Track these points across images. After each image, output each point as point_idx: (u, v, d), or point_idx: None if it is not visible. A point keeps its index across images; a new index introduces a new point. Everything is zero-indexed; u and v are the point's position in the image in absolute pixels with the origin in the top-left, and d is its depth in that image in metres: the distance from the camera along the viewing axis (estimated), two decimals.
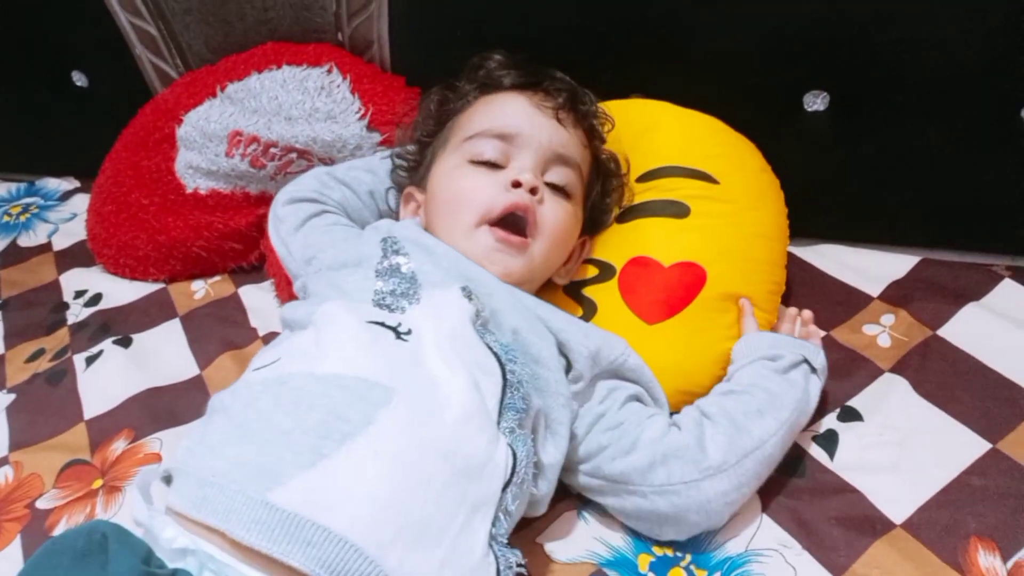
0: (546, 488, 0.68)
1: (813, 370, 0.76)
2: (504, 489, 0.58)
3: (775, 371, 0.74)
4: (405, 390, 0.58)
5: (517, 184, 0.75)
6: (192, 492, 0.54)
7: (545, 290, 0.85)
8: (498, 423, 0.60)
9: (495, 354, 0.63)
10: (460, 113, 0.85)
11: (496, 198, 0.75)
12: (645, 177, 0.87)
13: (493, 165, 0.78)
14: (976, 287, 0.90)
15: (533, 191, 0.76)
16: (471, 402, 0.59)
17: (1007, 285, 0.90)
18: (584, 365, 0.72)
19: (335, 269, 0.78)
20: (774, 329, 0.84)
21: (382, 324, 0.65)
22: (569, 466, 0.71)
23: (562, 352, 0.72)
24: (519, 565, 0.58)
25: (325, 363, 0.60)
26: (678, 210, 0.84)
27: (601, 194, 0.86)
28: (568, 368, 0.72)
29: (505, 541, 0.58)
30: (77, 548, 0.51)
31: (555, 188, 0.79)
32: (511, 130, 0.78)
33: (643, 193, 0.87)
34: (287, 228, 0.88)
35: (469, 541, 0.55)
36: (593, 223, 0.87)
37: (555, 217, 0.77)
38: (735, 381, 0.76)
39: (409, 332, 0.64)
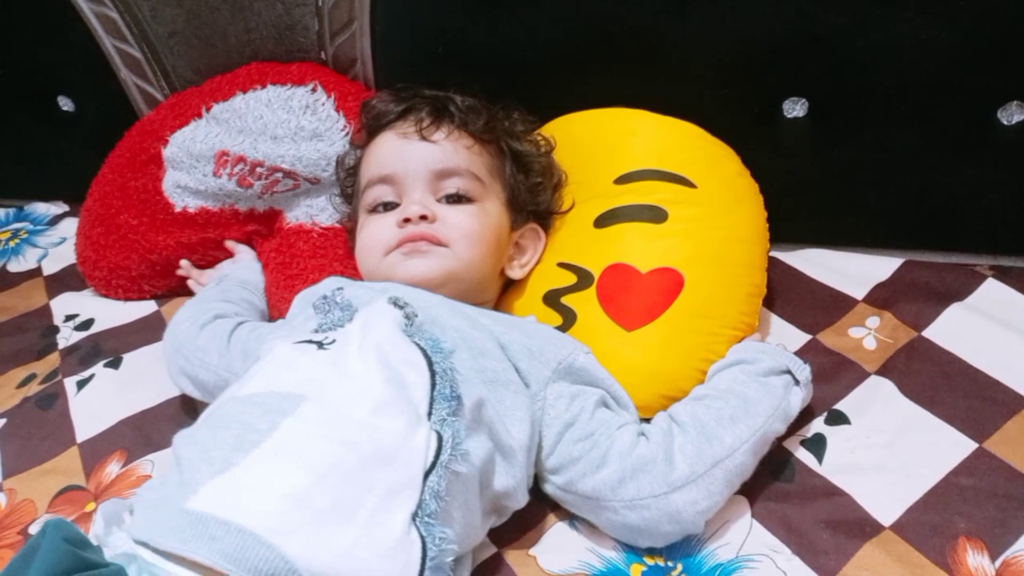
0: (514, 474, 0.69)
1: (796, 383, 0.77)
2: (429, 472, 0.60)
3: (753, 375, 0.75)
4: (316, 394, 0.63)
5: (407, 220, 0.81)
6: (139, 517, 0.60)
7: (522, 298, 0.88)
8: (429, 412, 0.63)
9: (422, 350, 0.66)
10: (361, 162, 0.91)
11: (392, 238, 0.82)
12: (623, 179, 0.88)
13: (390, 205, 0.85)
14: (960, 287, 0.91)
15: (424, 217, 0.81)
16: (385, 394, 0.62)
17: (990, 284, 0.91)
18: (528, 366, 0.74)
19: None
20: None
21: (309, 341, 0.69)
22: (542, 476, 0.73)
23: (506, 356, 0.74)
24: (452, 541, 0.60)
25: (246, 386, 0.66)
26: (655, 215, 0.85)
27: (525, 177, 0.90)
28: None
29: (435, 521, 0.59)
30: (25, 547, 0.57)
31: (454, 198, 0.84)
32: (387, 171, 0.85)
33: (620, 196, 0.87)
34: (216, 353, 0.87)
35: (385, 521, 0.57)
36: (534, 207, 0.90)
37: (460, 222, 0.82)
38: (711, 385, 0.77)
39: (333, 342, 0.69)
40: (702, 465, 0.68)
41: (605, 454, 0.70)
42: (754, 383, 0.74)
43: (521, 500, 0.72)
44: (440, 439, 0.61)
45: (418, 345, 0.66)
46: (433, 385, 0.64)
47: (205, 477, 0.58)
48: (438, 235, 0.81)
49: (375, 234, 0.84)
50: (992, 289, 0.90)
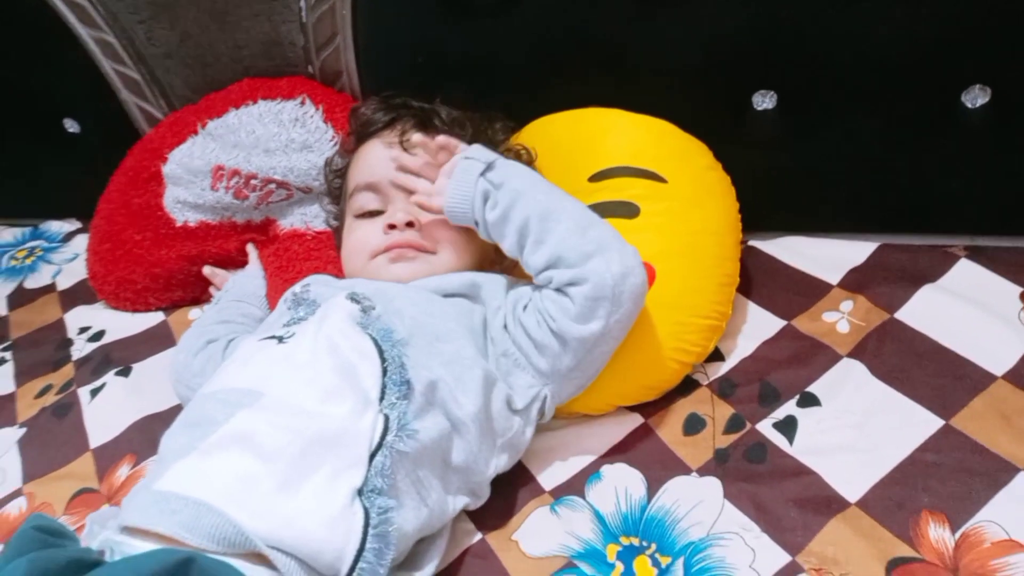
0: (469, 448, 0.73)
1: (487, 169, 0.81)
2: (375, 452, 0.65)
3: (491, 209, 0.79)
4: (269, 387, 0.68)
5: (392, 226, 0.85)
6: (123, 507, 0.66)
7: None
8: (381, 397, 0.68)
9: (374, 340, 0.71)
10: (349, 167, 0.95)
11: (378, 243, 0.86)
12: (596, 177, 0.92)
13: (376, 212, 0.89)
14: (933, 269, 0.93)
15: (410, 224, 0.85)
16: (332, 382, 0.68)
17: (963, 265, 0.93)
18: (499, 292, 0.82)
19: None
20: None
21: (271, 336, 0.74)
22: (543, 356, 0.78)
23: (480, 300, 0.81)
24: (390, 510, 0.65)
25: (210, 384, 0.74)
26: (628, 211, 0.88)
27: None
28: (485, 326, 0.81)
29: (379, 495, 0.64)
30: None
31: None
32: (374, 179, 0.89)
33: (595, 193, 0.90)
34: (212, 373, 0.86)
35: (328, 496, 0.62)
36: None
37: (442, 227, 0.86)
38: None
39: (292, 335, 0.74)
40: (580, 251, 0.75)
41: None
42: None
43: (487, 479, 0.76)
44: (387, 421, 0.66)
45: (370, 335, 0.71)
46: (384, 372, 0.69)
47: (171, 462, 0.64)
48: (424, 243, 0.85)
49: (361, 238, 0.88)
50: (965, 269, 0.92)
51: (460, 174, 0.81)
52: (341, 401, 0.67)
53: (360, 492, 0.64)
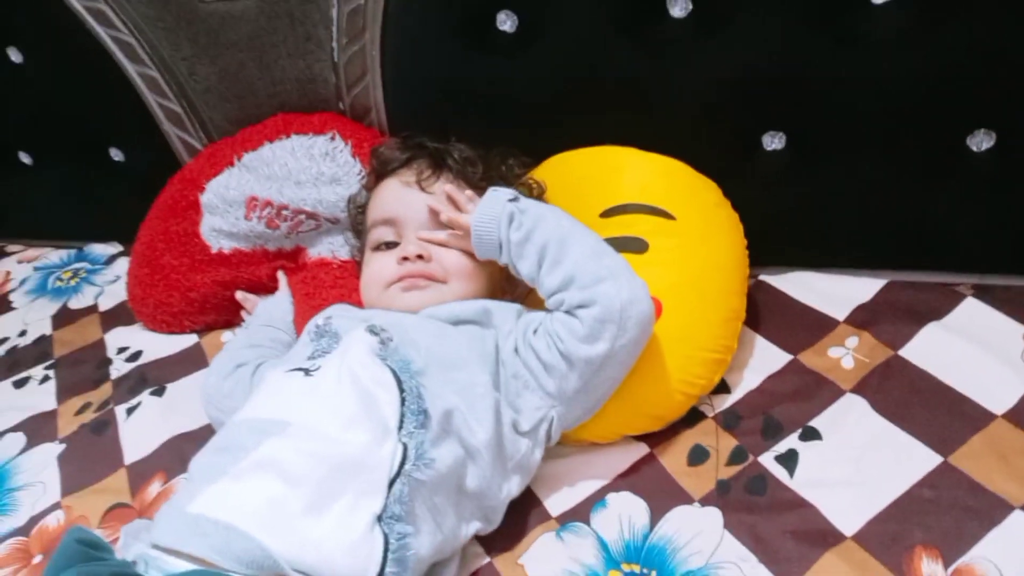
0: (482, 474, 0.76)
1: (514, 199, 0.86)
2: (394, 480, 0.69)
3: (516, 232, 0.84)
4: (296, 417, 0.72)
5: (405, 258, 0.90)
6: (155, 525, 0.69)
7: None
8: (400, 426, 0.71)
9: (392, 371, 0.75)
10: (368, 202, 1.00)
11: (392, 273, 0.91)
12: (608, 213, 0.95)
13: (392, 244, 0.94)
14: (939, 307, 0.94)
15: (420, 256, 0.89)
16: (355, 412, 0.72)
17: (969, 303, 0.94)
18: (510, 317, 0.86)
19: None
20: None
21: (298, 368, 0.78)
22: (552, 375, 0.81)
23: (484, 352, 0.83)
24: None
25: (241, 413, 0.77)
26: (638, 246, 0.91)
27: None
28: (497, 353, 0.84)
29: (398, 522, 0.68)
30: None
31: None
32: (390, 215, 0.94)
33: (606, 229, 0.94)
34: (241, 396, 0.90)
35: (352, 521, 0.66)
36: None
37: (454, 260, 0.91)
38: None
39: (318, 368, 0.78)
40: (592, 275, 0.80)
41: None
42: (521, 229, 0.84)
43: (500, 503, 0.80)
44: (405, 450, 0.70)
45: (389, 367, 0.75)
46: (403, 401, 0.73)
47: (202, 486, 0.68)
48: (434, 273, 0.90)
49: (377, 269, 0.93)
50: (971, 308, 0.94)
51: (488, 198, 0.88)
52: (363, 430, 0.71)
53: (380, 518, 0.67)
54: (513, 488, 0.81)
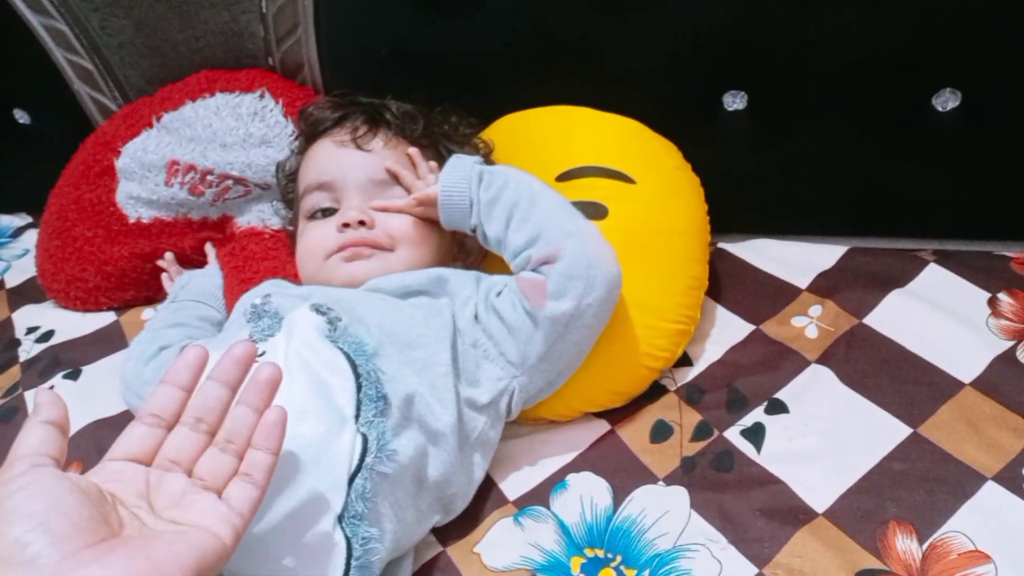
0: (446, 459, 0.71)
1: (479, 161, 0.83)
2: (354, 475, 0.62)
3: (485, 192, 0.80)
4: None
5: (346, 225, 0.82)
6: None
7: None
8: (357, 415, 0.64)
9: (346, 354, 0.67)
10: (299, 168, 0.92)
11: (332, 242, 0.83)
12: (564, 176, 0.89)
13: (329, 211, 0.86)
14: (901, 274, 0.92)
15: (362, 223, 0.82)
16: (306, 401, 0.64)
17: (931, 270, 0.92)
18: (468, 284, 0.80)
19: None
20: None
21: None
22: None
23: (445, 294, 0.80)
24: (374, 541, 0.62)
25: None
26: (596, 211, 0.86)
27: None
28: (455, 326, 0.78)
29: (361, 522, 0.61)
30: None
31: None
32: (325, 178, 0.86)
33: (563, 193, 0.87)
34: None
35: (309, 522, 0.60)
36: None
37: (400, 226, 0.84)
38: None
39: (263, 354, 0.70)
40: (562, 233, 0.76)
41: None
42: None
43: (462, 489, 0.74)
44: (366, 441, 0.63)
45: (341, 349, 0.68)
46: (359, 387, 0.65)
47: None
48: (379, 240, 0.83)
49: (315, 239, 0.85)
50: (933, 274, 0.92)
51: (454, 162, 0.83)
52: (316, 420, 0.63)
53: (340, 519, 0.60)
54: (477, 472, 0.76)
